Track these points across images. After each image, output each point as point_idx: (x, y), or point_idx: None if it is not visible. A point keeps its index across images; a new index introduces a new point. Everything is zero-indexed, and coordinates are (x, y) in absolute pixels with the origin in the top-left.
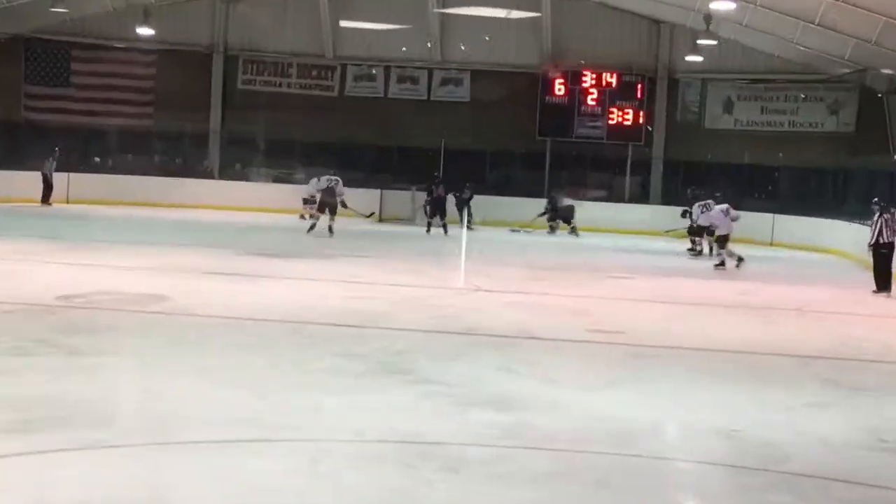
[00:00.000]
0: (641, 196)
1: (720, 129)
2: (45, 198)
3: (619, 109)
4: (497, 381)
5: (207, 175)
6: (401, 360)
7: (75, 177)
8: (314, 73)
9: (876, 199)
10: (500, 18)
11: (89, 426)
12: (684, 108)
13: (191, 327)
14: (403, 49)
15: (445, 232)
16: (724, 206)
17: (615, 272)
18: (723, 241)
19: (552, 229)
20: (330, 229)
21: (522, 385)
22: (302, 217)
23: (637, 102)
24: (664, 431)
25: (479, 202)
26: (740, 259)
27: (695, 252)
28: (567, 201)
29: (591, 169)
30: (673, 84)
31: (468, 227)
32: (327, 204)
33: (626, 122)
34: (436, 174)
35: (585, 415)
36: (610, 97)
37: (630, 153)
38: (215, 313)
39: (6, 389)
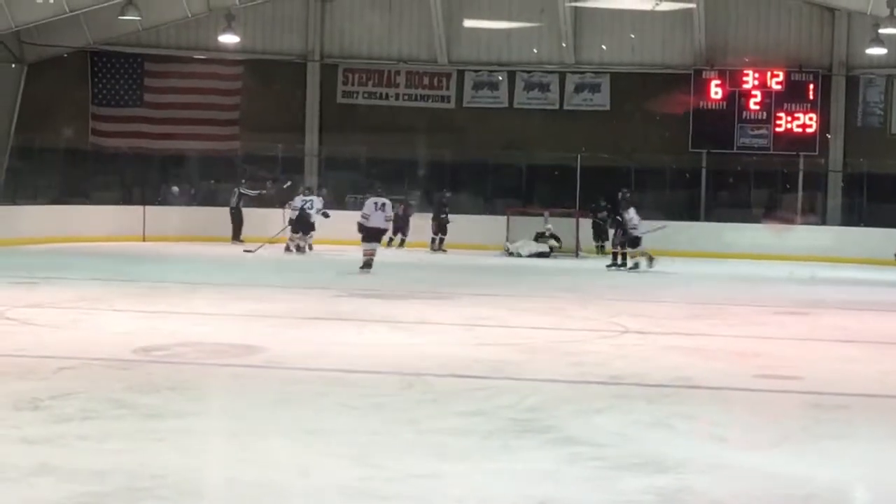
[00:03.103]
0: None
1: None
2: (236, 235)
3: (787, 114)
4: (651, 438)
5: None
6: (537, 417)
7: (151, 210)
8: (426, 81)
9: None
10: (644, 12)
11: (172, 500)
12: (866, 110)
13: (288, 383)
14: (535, 51)
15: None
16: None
17: (790, 307)
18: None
19: None
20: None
21: (682, 443)
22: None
23: (809, 105)
24: (854, 498)
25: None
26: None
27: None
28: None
29: (755, 185)
30: (851, 82)
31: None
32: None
33: (796, 129)
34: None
35: (758, 478)
36: (776, 100)
37: (801, 165)
38: (316, 366)
39: (75, 459)
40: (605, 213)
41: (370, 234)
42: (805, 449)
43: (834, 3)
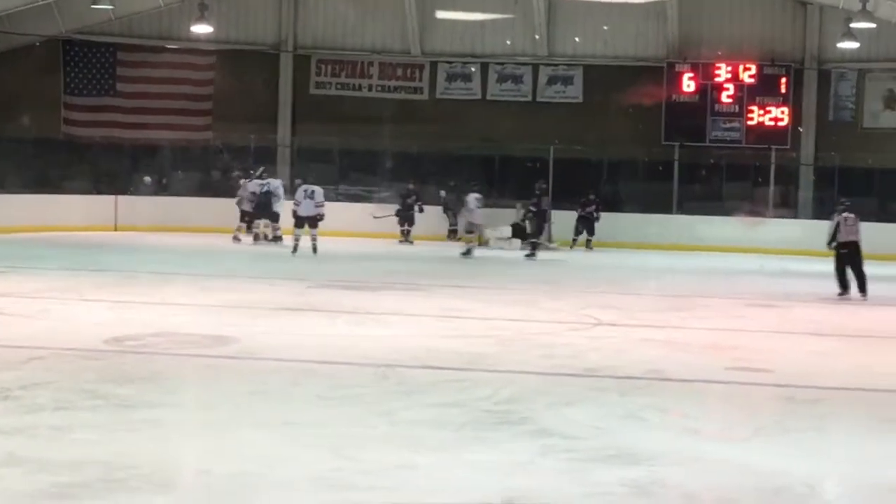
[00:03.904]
0: (787, 209)
1: (881, 128)
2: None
3: (759, 107)
4: (625, 430)
5: None
6: (511, 409)
7: (123, 200)
8: (399, 72)
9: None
10: (618, 4)
11: (146, 491)
12: (837, 104)
13: (262, 374)
14: (508, 43)
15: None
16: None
17: (761, 300)
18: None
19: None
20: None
21: (655, 435)
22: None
23: (781, 99)
24: (825, 489)
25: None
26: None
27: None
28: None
29: (727, 178)
30: (823, 76)
31: (548, 247)
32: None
33: (768, 123)
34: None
35: (729, 470)
36: (749, 93)
37: (773, 158)
38: (290, 357)
39: (49, 450)
40: (593, 208)
41: (300, 221)
42: (778, 441)
43: None
